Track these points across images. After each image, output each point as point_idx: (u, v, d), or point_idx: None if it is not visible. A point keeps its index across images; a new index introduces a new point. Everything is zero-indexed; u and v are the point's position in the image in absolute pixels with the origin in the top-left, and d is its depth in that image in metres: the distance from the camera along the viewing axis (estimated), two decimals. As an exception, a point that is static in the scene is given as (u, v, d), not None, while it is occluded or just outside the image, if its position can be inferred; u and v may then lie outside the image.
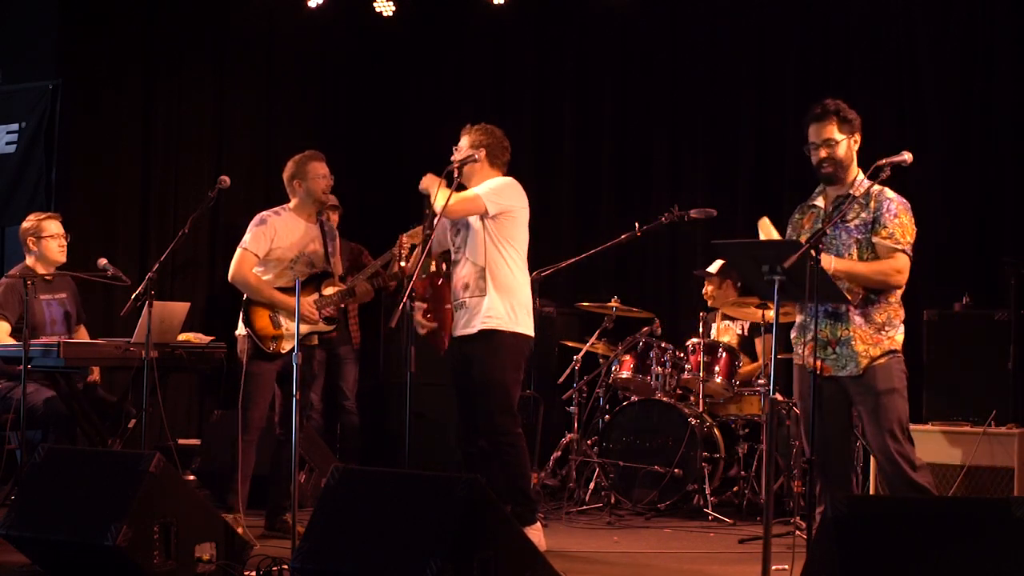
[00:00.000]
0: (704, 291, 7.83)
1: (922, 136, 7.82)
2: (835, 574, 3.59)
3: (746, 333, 7.67)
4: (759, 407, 7.26)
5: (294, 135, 8.93)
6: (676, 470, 6.97)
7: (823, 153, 4.82)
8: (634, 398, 7.40)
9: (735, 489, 7.20)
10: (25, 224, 6.80)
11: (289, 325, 5.89)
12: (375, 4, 9.20)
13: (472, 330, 5.53)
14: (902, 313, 4.88)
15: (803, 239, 4.82)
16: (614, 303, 7.43)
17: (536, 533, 5.43)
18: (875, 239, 4.75)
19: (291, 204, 6.09)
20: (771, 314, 6.95)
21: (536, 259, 7.33)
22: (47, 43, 8.33)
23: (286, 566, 4.73)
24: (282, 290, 5.93)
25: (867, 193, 4.79)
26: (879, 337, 4.76)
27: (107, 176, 8.40)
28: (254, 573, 4.87)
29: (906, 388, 4.84)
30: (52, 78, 8.17)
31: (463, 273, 5.60)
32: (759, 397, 7.27)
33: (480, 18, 9.43)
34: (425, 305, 5.67)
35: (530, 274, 7.06)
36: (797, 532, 5.84)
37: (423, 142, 9.62)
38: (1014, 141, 7.79)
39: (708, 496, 6.95)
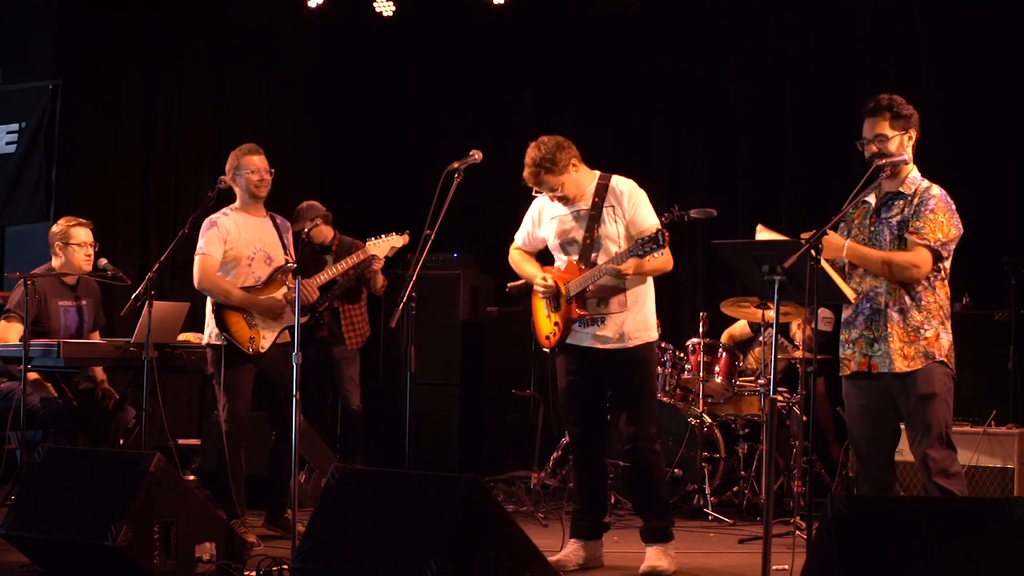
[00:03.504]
0: None
1: (922, 136, 7.80)
2: (835, 574, 3.59)
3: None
4: (759, 407, 7.26)
5: (294, 135, 8.94)
6: (676, 470, 6.97)
7: (874, 148, 4.75)
8: (634, 398, 7.39)
9: (735, 489, 7.21)
10: (55, 228, 6.69)
11: (265, 322, 5.88)
12: (375, 4, 9.21)
13: (617, 345, 5.38)
14: (941, 316, 4.71)
15: (852, 235, 4.81)
16: (614, 303, 7.41)
17: (671, 551, 5.37)
18: (906, 233, 4.68)
19: (236, 202, 6.04)
20: (771, 314, 6.99)
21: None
22: (47, 43, 8.33)
23: (286, 566, 4.73)
24: (246, 290, 5.90)
25: (915, 190, 4.74)
26: (916, 336, 4.66)
27: (107, 176, 8.40)
28: (254, 573, 4.87)
29: (949, 394, 4.69)
30: (52, 78, 8.18)
31: (598, 287, 5.39)
32: (759, 397, 7.27)
33: (480, 18, 9.44)
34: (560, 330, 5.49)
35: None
36: (797, 532, 5.84)
37: (423, 142, 9.63)
38: (1014, 141, 7.79)
39: (708, 496, 6.95)
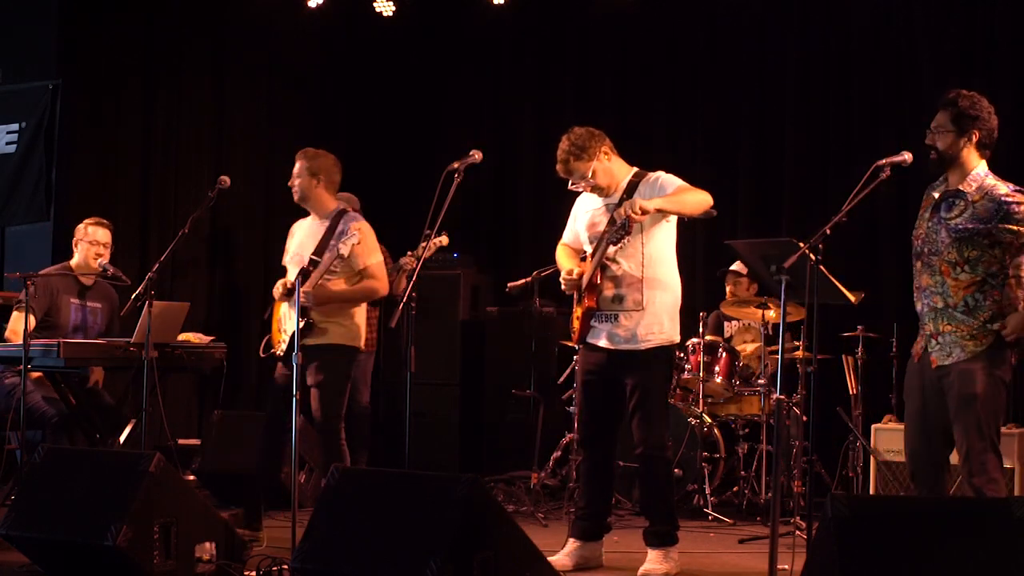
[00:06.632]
0: (733, 290, 7.72)
1: (922, 136, 7.80)
2: (835, 574, 3.60)
3: (771, 332, 7.61)
4: (759, 407, 7.26)
5: (294, 135, 8.93)
6: (676, 470, 6.97)
7: (927, 139, 4.65)
8: (634, 398, 7.39)
9: (735, 489, 7.21)
10: (79, 225, 6.89)
11: (285, 326, 5.88)
12: (375, 4, 9.21)
13: (629, 346, 5.32)
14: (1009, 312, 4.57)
15: (916, 226, 4.72)
16: (614, 303, 7.41)
17: (674, 555, 5.34)
18: (1013, 251, 4.54)
19: None
20: (771, 314, 6.99)
21: (536, 259, 7.33)
22: (47, 43, 8.33)
23: (286, 566, 4.73)
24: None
25: (978, 189, 4.57)
26: (981, 332, 4.53)
27: (107, 176, 8.40)
28: (254, 573, 4.87)
29: (997, 391, 4.54)
30: (52, 78, 8.18)
31: (614, 282, 5.35)
32: (759, 397, 7.27)
33: (480, 18, 9.44)
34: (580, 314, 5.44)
35: (530, 274, 7.11)
36: (797, 532, 5.83)
37: (423, 142, 9.63)
38: (1014, 141, 7.78)
39: (708, 496, 6.95)
